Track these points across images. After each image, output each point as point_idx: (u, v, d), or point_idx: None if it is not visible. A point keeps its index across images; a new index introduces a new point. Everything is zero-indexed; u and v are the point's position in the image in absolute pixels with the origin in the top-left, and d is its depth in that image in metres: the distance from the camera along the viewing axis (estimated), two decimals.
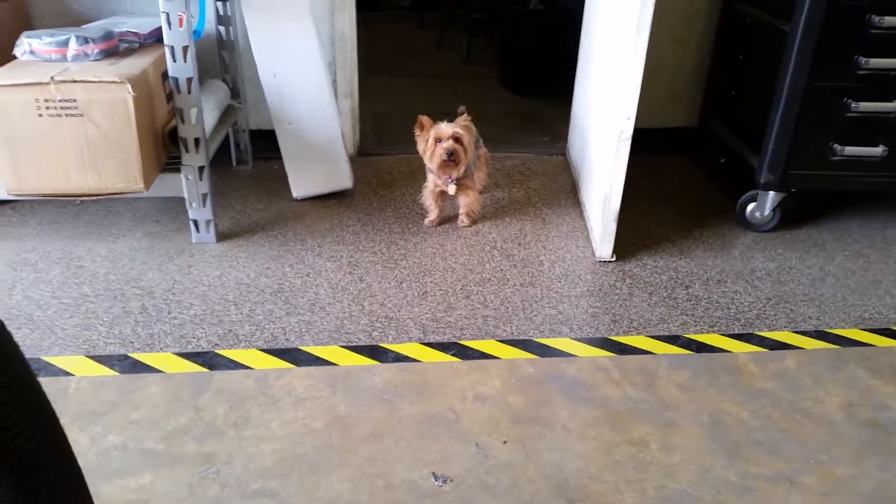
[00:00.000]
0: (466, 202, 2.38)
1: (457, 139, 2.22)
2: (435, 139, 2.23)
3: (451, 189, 2.32)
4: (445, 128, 2.23)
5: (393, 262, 2.17)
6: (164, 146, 2.14)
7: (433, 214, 2.40)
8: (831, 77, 2.15)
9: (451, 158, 2.22)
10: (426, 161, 2.31)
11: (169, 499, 1.34)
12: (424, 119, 2.26)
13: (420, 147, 2.30)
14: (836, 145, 2.23)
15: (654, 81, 2.66)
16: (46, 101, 1.90)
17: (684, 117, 3.09)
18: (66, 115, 1.92)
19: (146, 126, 2.01)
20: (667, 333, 1.87)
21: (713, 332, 1.89)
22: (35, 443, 0.74)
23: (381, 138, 3.12)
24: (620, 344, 1.83)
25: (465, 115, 2.29)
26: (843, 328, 1.91)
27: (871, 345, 1.85)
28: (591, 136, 2.47)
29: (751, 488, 1.40)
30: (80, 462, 1.40)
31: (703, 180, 2.88)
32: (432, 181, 2.36)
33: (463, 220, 2.40)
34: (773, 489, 1.40)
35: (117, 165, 1.98)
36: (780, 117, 2.20)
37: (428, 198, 2.40)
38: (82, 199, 2.05)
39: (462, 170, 2.28)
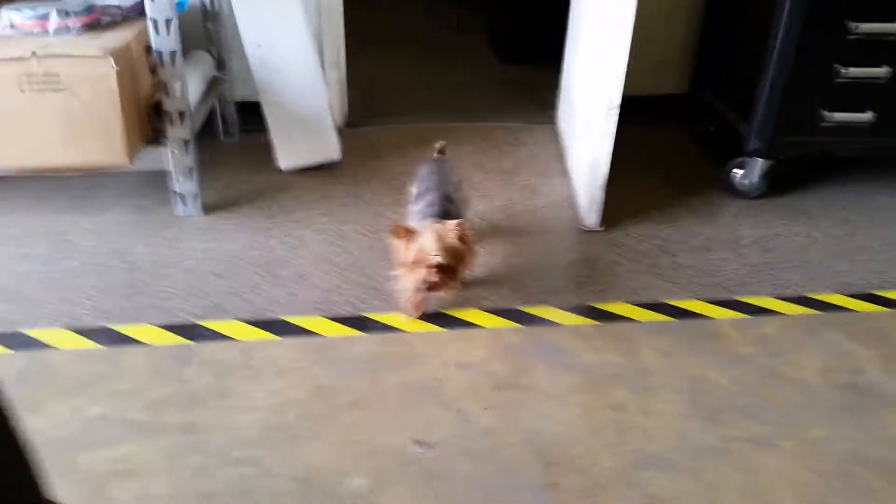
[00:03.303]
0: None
1: (441, 267, 1.64)
2: (417, 259, 1.66)
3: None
4: (429, 246, 1.63)
5: (380, 234, 2.17)
6: (149, 119, 2.13)
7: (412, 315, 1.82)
8: (821, 42, 2.12)
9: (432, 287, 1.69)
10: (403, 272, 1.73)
11: (152, 467, 1.36)
12: (402, 229, 1.68)
13: (399, 255, 1.70)
14: (824, 111, 2.22)
15: (644, 48, 2.62)
16: (28, 76, 1.88)
17: (674, 84, 3.07)
18: (49, 90, 1.91)
19: (130, 100, 1.99)
20: (650, 301, 1.88)
21: (696, 299, 1.90)
22: None
23: (370, 109, 3.10)
24: (604, 312, 1.84)
25: (451, 227, 1.66)
26: (826, 293, 1.92)
27: (851, 310, 1.86)
28: (579, 104, 2.46)
29: (728, 451, 1.43)
30: (63, 433, 1.43)
31: (693, 147, 2.87)
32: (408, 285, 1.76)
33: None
34: (751, 451, 1.43)
35: (101, 139, 1.97)
36: (768, 83, 2.19)
37: (406, 304, 1.80)
38: (66, 173, 2.05)
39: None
